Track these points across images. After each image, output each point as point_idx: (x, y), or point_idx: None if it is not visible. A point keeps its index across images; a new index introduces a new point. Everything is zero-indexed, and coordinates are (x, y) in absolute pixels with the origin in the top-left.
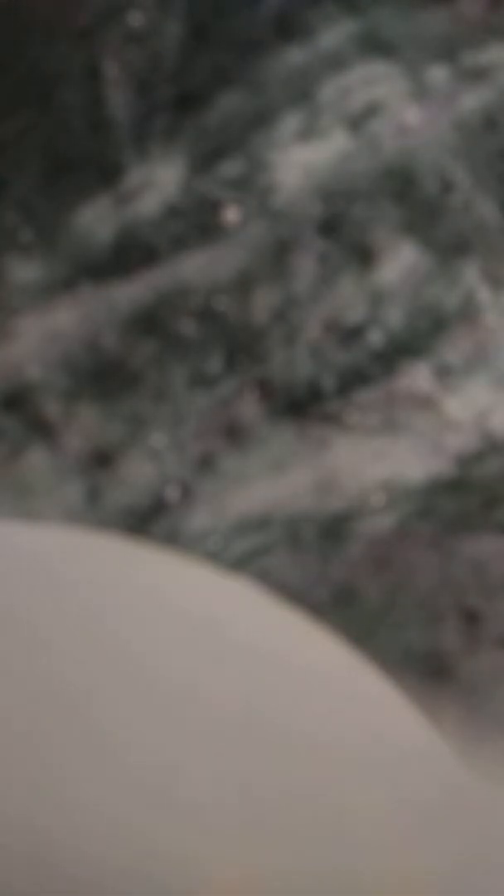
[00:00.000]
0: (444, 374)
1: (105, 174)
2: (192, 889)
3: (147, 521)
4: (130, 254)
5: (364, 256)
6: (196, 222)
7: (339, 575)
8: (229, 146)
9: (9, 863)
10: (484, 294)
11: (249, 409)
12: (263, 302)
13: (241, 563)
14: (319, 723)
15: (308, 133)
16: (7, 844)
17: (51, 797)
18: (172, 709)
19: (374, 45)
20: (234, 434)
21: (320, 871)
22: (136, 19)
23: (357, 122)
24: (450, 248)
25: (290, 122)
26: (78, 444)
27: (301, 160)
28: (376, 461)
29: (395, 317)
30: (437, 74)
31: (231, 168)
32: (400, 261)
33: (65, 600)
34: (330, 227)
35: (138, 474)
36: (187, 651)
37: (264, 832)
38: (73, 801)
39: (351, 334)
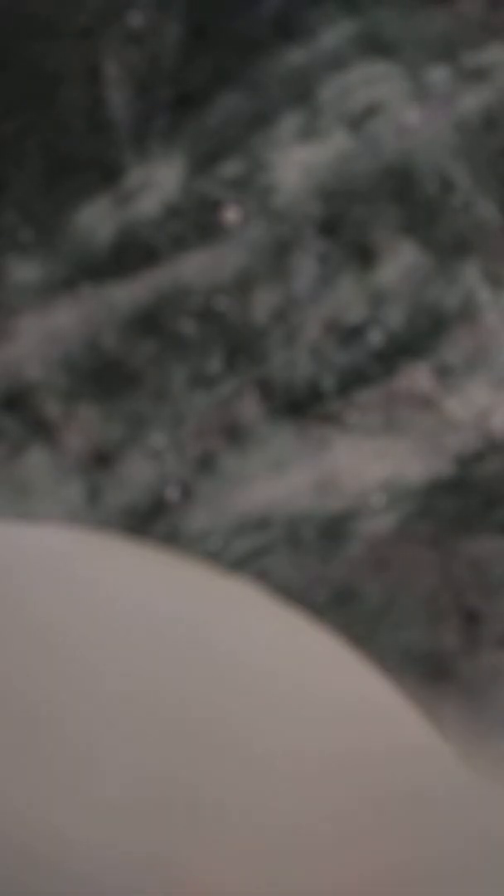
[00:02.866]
0: (444, 374)
1: (105, 174)
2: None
3: (147, 521)
4: (130, 254)
5: (364, 256)
6: (196, 222)
7: (339, 575)
8: (229, 146)
9: None
10: (484, 294)
11: (249, 409)
12: (263, 302)
13: (241, 563)
14: (319, 722)
15: (308, 133)
16: None
17: (32, 810)
18: (170, 710)
19: (374, 45)
20: (234, 434)
21: (307, 874)
22: (136, 19)
23: (357, 122)
24: (450, 248)
25: (290, 122)
26: (78, 444)
27: (301, 160)
28: (376, 461)
29: (395, 317)
30: (437, 74)
31: (231, 168)
32: (400, 261)
33: (63, 600)
34: (330, 227)
35: (138, 474)
36: (187, 651)
37: (250, 834)
38: (55, 811)
39: (351, 334)
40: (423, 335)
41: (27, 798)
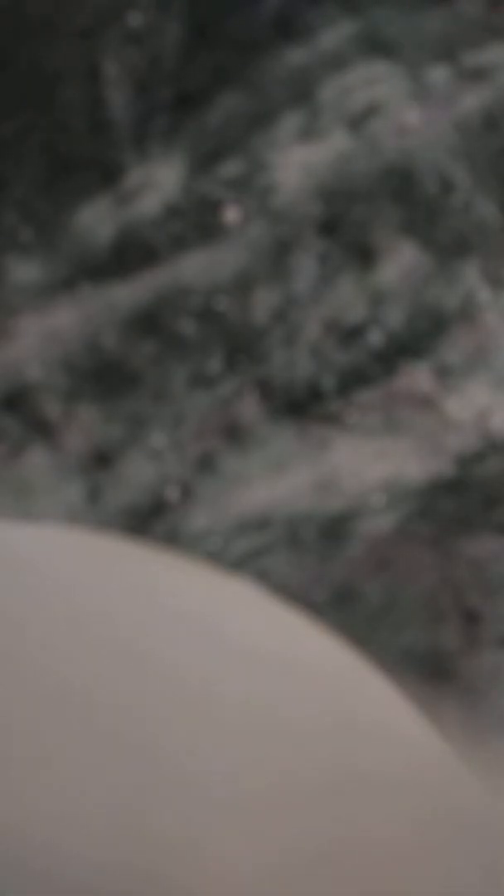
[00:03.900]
0: (444, 374)
1: (105, 174)
2: (191, 881)
3: (147, 521)
4: (130, 254)
5: (364, 256)
6: (196, 222)
7: (339, 575)
8: (229, 146)
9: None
10: (484, 294)
11: (249, 409)
12: (263, 302)
13: (241, 563)
14: (319, 721)
15: (308, 133)
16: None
17: (44, 797)
18: (171, 706)
19: (374, 45)
20: (234, 434)
21: (319, 862)
22: (136, 19)
23: (357, 122)
24: (450, 248)
25: (290, 122)
26: (78, 444)
27: (301, 160)
28: (376, 461)
29: (395, 317)
30: (437, 74)
31: (231, 168)
32: (400, 261)
33: (63, 600)
34: (330, 227)
35: (138, 474)
36: (187, 650)
37: (263, 825)
38: (69, 802)
39: (351, 334)
40: (423, 335)
41: (32, 772)
